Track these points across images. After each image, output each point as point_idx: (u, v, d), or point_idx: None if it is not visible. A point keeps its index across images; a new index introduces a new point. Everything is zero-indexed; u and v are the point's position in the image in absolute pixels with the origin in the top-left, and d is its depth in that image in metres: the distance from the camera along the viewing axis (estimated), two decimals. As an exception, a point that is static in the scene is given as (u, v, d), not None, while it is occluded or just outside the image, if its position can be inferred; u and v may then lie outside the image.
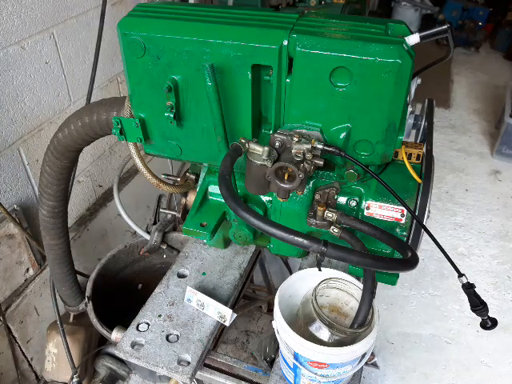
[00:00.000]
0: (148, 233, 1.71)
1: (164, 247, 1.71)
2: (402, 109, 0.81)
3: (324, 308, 1.01)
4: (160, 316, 1.12)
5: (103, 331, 1.48)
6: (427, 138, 1.05)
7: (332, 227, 0.92)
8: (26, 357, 1.71)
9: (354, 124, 0.84)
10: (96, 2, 1.76)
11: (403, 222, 0.95)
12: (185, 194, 1.22)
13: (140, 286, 1.88)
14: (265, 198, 1.09)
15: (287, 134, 0.83)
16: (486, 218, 2.92)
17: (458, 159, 3.49)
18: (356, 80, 0.78)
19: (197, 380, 1.13)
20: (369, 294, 0.85)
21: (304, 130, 0.86)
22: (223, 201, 1.04)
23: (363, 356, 0.92)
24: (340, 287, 0.98)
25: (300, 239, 0.66)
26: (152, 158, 2.13)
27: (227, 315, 1.08)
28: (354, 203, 0.98)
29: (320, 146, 0.81)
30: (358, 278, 1.00)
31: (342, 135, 0.85)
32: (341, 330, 0.87)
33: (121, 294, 1.73)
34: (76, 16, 1.68)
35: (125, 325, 1.15)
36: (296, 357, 0.90)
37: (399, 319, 2.29)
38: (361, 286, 0.92)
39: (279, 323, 0.91)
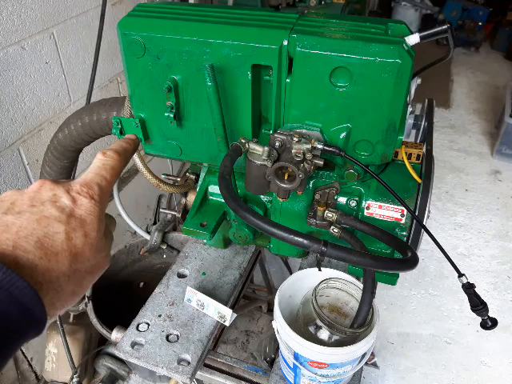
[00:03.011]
0: (148, 233, 1.71)
1: (164, 247, 1.71)
2: (401, 109, 0.81)
3: (324, 308, 1.01)
4: (160, 316, 1.12)
5: (103, 331, 1.48)
6: (427, 138, 1.05)
7: (332, 227, 0.91)
8: (26, 357, 1.71)
9: (354, 124, 0.84)
10: (96, 2, 1.76)
11: (403, 222, 0.95)
12: (185, 194, 1.22)
13: (142, 284, 1.88)
14: (265, 198, 1.09)
15: (287, 134, 0.83)
16: (486, 218, 2.92)
17: (457, 159, 3.49)
18: (356, 80, 0.78)
19: (197, 380, 1.13)
20: (369, 294, 0.85)
21: (304, 130, 0.86)
22: (223, 201, 1.04)
23: (363, 356, 0.92)
24: (340, 287, 0.98)
25: (300, 239, 0.66)
26: (152, 157, 2.13)
27: (227, 315, 1.08)
28: (353, 203, 0.98)
29: (320, 146, 0.81)
30: (358, 278, 1.00)
31: (342, 135, 0.85)
32: (341, 330, 0.87)
33: (121, 293, 1.73)
34: (76, 16, 1.68)
35: (125, 325, 1.15)
36: (296, 357, 0.90)
37: (399, 319, 2.29)
38: (361, 285, 0.92)
39: (279, 323, 0.91)
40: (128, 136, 0.58)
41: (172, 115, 0.91)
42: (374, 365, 2.05)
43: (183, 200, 1.22)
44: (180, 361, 1.02)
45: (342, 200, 0.99)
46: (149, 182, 1.08)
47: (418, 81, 1.04)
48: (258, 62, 0.82)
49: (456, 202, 3.05)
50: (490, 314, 0.86)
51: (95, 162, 0.51)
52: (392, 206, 0.95)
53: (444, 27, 0.79)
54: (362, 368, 0.98)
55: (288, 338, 0.88)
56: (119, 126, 0.98)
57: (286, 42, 0.79)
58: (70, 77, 1.71)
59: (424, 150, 0.99)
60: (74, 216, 0.44)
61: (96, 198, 0.46)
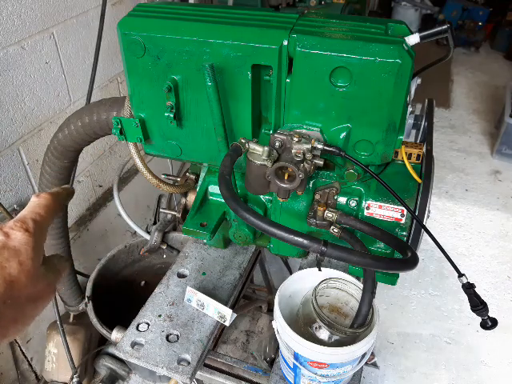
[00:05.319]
0: (148, 233, 1.71)
1: (164, 247, 1.71)
2: (402, 109, 0.81)
3: (324, 308, 1.01)
4: (160, 316, 1.12)
5: (103, 331, 1.48)
6: (427, 138, 1.05)
7: (332, 227, 0.92)
8: (25, 357, 1.71)
9: (354, 124, 0.84)
10: (96, 2, 1.76)
11: (403, 222, 0.95)
12: (185, 194, 1.22)
13: (143, 282, 1.88)
14: (265, 198, 1.09)
15: (287, 134, 0.83)
16: (485, 218, 2.92)
17: (457, 159, 3.49)
18: (356, 80, 0.78)
19: (197, 380, 1.13)
20: (369, 294, 0.85)
21: (304, 130, 0.86)
22: (223, 201, 1.04)
23: (363, 356, 0.92)
24: (340, 287, 0.98)
25: (300, 239, 0.66)
26: (152, 157, 2.13)
27: (227, 315, 1.08)
28: (353, 203, 0.98)
29: (320, 146, 0.81)
30: (358, 278, 1.00)
31: (342, 135, 0.85)
32: (341, 330, 0.87)
33: (121, 293, 1.73)
34: (76, 16, 1.68)
35: (125, 325, 1.15)
36: (296, 357, 0.90)
37: (399, 319, 2.29)
38: (361, 285, 0.92)
39: (279, 323, 0.91)
40: (62, 186, 0.63)
41: (172, 115, 0.91)
42: (374, 365, 2.05)
43: (183, 200, 1.22)
44: (180, 361, 1.02)
45: (342, 200, 0.99)
46: (149, 182, 1.08)
47: (418, 81, 1.04)
48: (257, 62, 0.82)
49: (456, 202, 3.05)
50: (490, 314, 0.86)
51: (29, 203, 0.54)
52: (392, 206, 0.95)
53: (444, 27, 0.79)
54: (362, 368, 0.98)
55: (288, 338, 0.88)
56: (119, 126, 0.98)
57: (286, 42, 0.79)
58: (70, 77, 1.71)
59: (424, 149, 0.99)
60: (7, 247, 0.46)
61: (31, 231, 0.49)
